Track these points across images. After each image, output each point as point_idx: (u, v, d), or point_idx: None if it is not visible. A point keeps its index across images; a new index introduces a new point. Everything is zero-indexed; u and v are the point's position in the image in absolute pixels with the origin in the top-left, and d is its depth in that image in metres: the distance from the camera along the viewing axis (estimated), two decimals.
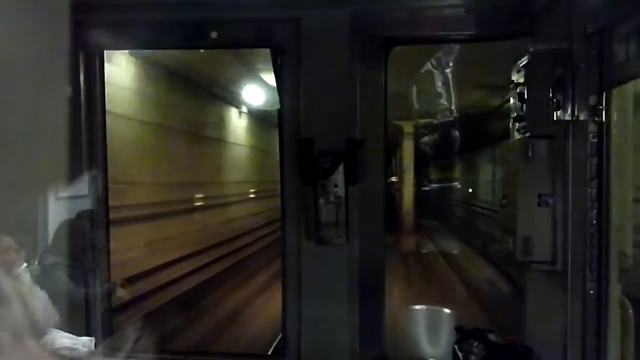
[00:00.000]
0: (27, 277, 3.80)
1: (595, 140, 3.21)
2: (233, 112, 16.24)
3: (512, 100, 3.85)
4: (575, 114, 3.32)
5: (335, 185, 4.06)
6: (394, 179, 19.98)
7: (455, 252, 15.19)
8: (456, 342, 3.60)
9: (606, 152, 3.21)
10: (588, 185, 3.22)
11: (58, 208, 4.45)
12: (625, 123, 3.36)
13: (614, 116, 3.23)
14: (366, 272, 4.22)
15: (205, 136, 14.14)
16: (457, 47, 7.57)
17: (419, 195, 19.85)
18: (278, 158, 4.30)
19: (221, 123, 15.36)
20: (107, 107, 4.65)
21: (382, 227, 4.32)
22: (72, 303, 4.30)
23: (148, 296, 8.77)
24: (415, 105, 11.73)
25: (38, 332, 1.22)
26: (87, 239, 4.45)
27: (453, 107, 11.48)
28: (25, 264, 3.81)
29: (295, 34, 4.12)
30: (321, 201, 4.06)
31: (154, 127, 10.79)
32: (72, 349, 3.76)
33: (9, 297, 1.22)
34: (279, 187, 4.33)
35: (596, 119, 3.19)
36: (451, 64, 8.91)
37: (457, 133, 15.60)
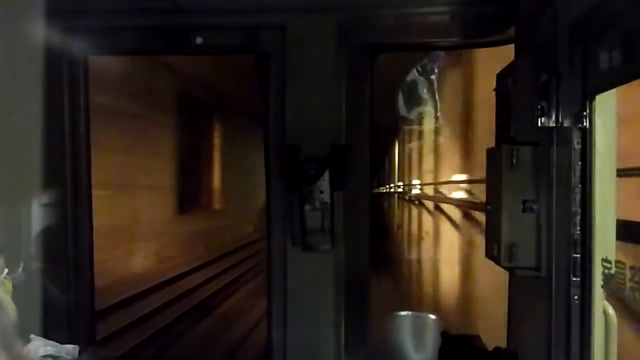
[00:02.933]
0: (8, 285, 3.75)
1: (579, 146, 3.21)
2: None
3: (495, 107, 3.87)
4: (560, 120, 3.31)
5: (321, 192, 4.05)
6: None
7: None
8: (441, 349, 3.60)
9: (590, 159, 3.21)
10: (572, 192, 3.22)
11: (42, 214, 4.41)
12: (609, 129, 3.37)
13: (598, 123, 3.23)
14: (351, 278, 4.23)
15: None
16: None
17: None
18: None
19: None
20: None
21: (367, 234, 4.32)
22: (55, 310, 4.27)
23: None
24: None
25: (10, 342, 1.18)
26: (70, 245, 4.42)
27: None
28: (6, 270, 3.76)
29: (281, 40, 4.12)
30: (307, 207, 4.06)
31: None
32: (56, 357, 3.71)
33: None
34: None
35: (580, 125, 3.18)
36: None
37: None
